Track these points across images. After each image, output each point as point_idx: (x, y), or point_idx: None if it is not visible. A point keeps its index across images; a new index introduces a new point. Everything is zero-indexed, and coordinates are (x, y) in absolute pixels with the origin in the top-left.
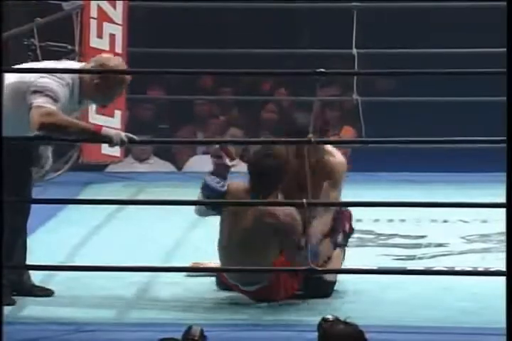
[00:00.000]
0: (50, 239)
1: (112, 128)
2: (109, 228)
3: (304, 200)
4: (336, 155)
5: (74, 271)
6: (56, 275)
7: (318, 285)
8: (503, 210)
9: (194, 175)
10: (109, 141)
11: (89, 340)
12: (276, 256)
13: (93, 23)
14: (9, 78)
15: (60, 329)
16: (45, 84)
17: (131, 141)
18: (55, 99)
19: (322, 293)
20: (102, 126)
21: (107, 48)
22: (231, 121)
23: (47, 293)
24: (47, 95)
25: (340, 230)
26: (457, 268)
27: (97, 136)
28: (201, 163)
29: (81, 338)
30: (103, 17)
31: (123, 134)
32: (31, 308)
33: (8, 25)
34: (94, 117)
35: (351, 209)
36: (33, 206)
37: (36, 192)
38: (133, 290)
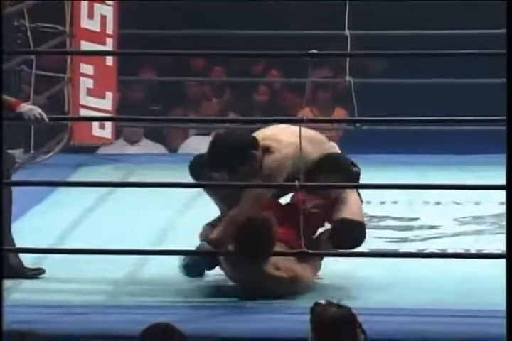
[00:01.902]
0: (41, 222)
1: (103, 110)
2: (101, 211)
3: (297, 182)
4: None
5: (65, 254)
6: (47, 258)
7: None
8: (497, 192)
9: (186, 157)
10: (22, 117)
11: (80, 323)
12: None
13: (84, 4)
14: None
15: (50, 311)
16: None
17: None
18: None
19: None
20: (21, 102)
21: (98, 29)
22: (224, 104)
23: (38, 272)
24: None
25: None
26: (450, 251)
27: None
28: (197, 144)
29: (71, 321)
30: None
31: (37, 111)
32: (21, 291)
33: None
34: (85, 99)
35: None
36: (24, 188)
37: (27, 175)
38: (124, 273)
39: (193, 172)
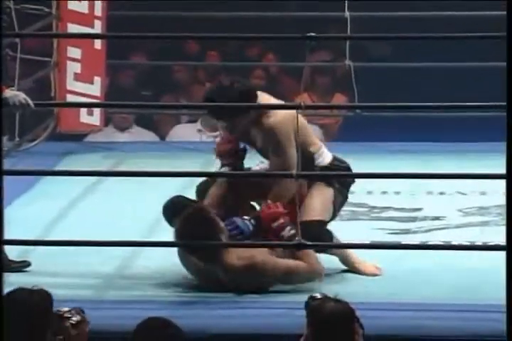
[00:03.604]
0: (27, 213)
1: (91, 95)
2: (89, 201)
3: (294, 171)
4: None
5: (51, 246)
6: (33, 251)
7: None
8: (503, 182)
9: (178, 145)
10: (6, 103)
11: None
12: None
13: None
14: None
15: None
16: None
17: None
18: None
19: None
20: (5, 87)
21: (86, 11)
22: None
23: (23, 264)
24: None
25: None
26: (454, 243)
27: None
28: (185, 132)
29: None
30: None
31: (22, 96)
32: (6, 285)
33: None
34: (73, 84)
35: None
36: (8, 178)
37: (11, 163)
38: (113, 266)
39: (167, 215)
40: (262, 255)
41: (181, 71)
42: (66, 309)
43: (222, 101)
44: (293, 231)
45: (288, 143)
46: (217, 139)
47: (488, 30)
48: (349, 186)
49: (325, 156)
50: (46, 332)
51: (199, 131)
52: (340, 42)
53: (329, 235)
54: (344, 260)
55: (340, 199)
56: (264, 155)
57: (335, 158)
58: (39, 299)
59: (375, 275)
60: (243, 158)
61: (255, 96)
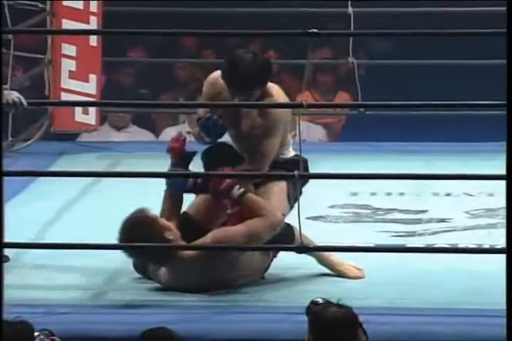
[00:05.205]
0: (20, 214)
1: (86, 94)
2: (84, 202)
3: (296, 172)
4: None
5: (45, 249)
6: (26, 253)
7: None
8: None
9: None
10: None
11: (62, 323)
12: None
13: None
14: None
15: (29, 311)
16: None
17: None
18: None
19: None
20: None
21: (81, 7)
22: None
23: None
24: None
25: None
26: (461, 245)
27: None
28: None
29: (52, 321)
30: None
31: (15, 95)
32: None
33: None
34: (67, 82)
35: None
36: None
37: (5, 164)
38: (109, 269)
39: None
40: (217, 233)
41: (180, 69)
42: (35, 334)
43: (243, 75)
44: (242, 189)
45: (277, 132)
46: (174, 134)
47: (491, 27)
48: (305, 182)
49: (289, 151)
50: None
51: (188, 133)
52: (342, 39)
53: (290, 230)
54: (322, 262)
55: (294, 194)
56: (241, 142)
57: (296, 154)
58: (20, 332)
59: (358, 278)
60: (189, 160)
61: (272, 69)
